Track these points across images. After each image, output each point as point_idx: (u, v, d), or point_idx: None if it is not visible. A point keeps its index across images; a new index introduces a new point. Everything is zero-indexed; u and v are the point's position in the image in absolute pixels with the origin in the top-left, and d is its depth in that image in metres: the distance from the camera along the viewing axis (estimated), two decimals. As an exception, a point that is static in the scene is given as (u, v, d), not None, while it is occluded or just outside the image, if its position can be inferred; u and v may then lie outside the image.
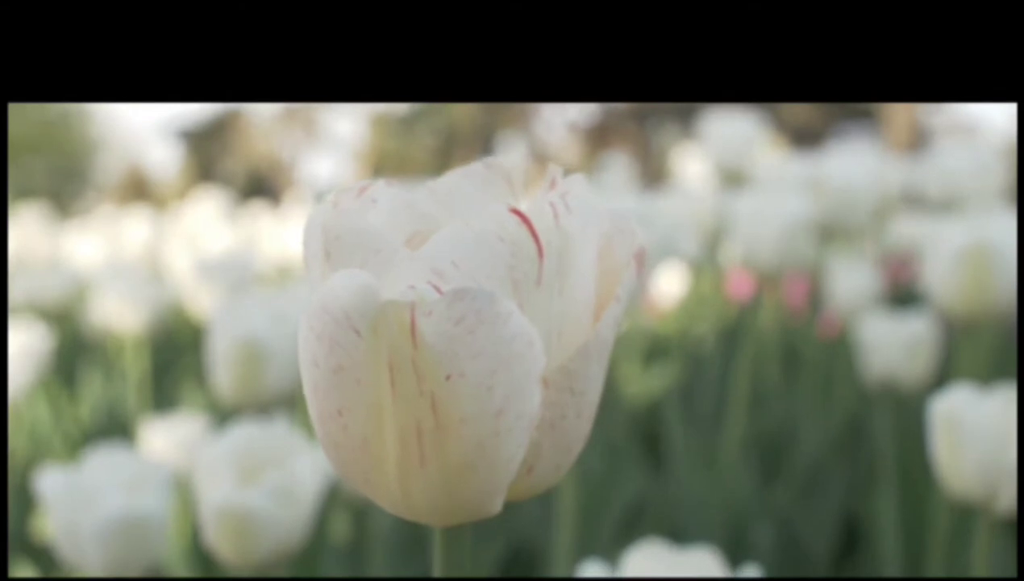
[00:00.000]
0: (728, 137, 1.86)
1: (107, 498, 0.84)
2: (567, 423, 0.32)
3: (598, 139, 12.74)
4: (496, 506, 0.32)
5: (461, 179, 0.35)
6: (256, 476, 0.79)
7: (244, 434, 0.81)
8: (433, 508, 0.32)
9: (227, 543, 0.77)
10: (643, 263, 0.33)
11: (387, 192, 0.34)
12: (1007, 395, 0.68)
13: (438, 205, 0.35)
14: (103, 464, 0.88)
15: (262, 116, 14.31)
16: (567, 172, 0.34)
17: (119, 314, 2.01)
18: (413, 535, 1.25)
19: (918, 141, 9.83)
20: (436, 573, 0.35)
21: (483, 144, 12.79)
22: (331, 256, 0.31)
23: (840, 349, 1.65)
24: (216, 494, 0.77)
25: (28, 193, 9.02)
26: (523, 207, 0.31)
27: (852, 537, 1.32)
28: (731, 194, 1.85)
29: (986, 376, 1.02)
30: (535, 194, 0.34)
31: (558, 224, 0.31)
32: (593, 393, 0.33)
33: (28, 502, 1.44)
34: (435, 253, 0.29)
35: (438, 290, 0.29)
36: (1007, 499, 0.67)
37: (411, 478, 0.31)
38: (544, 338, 0.30)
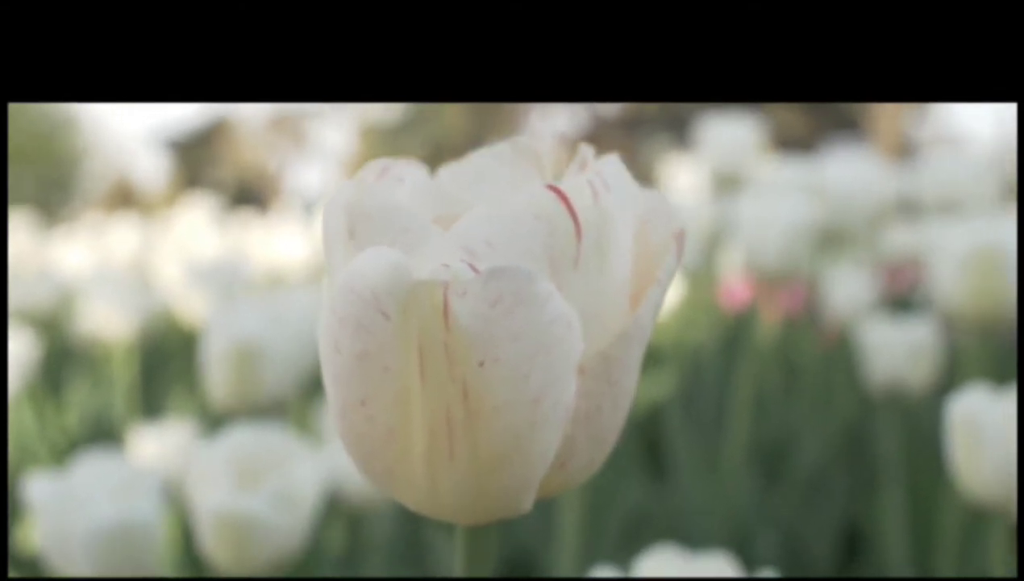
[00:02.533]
0: (724, 142, 1.84)
1: (97, 505, 0.82)
2: (603, 415, 0.30)
3: (586, 149, 12.70)
4: (527, 503, 0.30)
5: (487, 159, 0.33)
6: (254, 481, 0.77)
7: (241, 438, 0.79)
8: (461, 505, 0.30)
9: (224, 550, 0.75)
10: (683, 244, 0.31)
11: (410, 171, 0.32)
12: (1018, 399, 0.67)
13: (463, 187, 0.33)
14: (92, 470, 0.85)
15: (250, 125, 14.28)
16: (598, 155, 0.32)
17: (107, 321, 1.99)
18: (410, 542, 1.23)
19: (904, 152, 9.86)
20: (458, 574, 0.33)
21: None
22: (355, 235, 0.29)
23: (839, 355, 1.63)
24: (213, 500, 0.75)
25: (16, 202, 8.99)
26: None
27: (855, 543, 1.31)
28: (729, 200, 1.84)
29: (992, 380, 1.00)
30: (567, 174, 0.32)
31: (597, 202, 0.29)
32: (629, 383, 0.31)
33: (13, 512, 1.42)
34: (468, 231, 0.28)
35: (473, 269, 0.27)
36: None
37: (439, 472, 0.29)
38: (581, 322, 0.28)
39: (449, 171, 0.33)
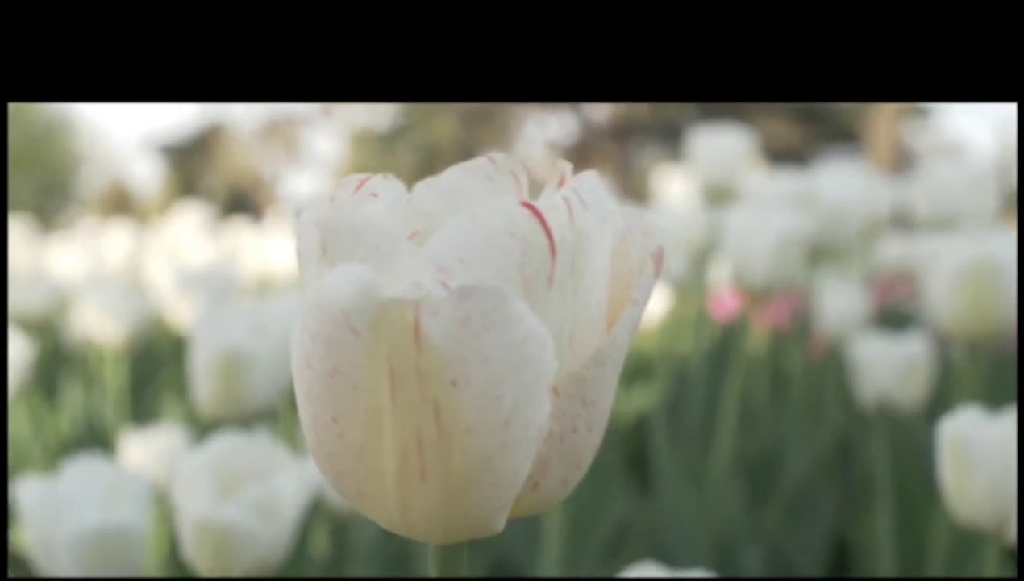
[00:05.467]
0: (716, 153, 1.83)
1: (83, 509, 0.82)
2: (577, 436, 0.30)
3: (578, 158, 12.72)
4: (499, 524, 0.30)
5: (464, 175, 0.33)
6: (236, 489, 0.77)
7: (224, 446, 0.79)
8: (432, 525, 0.30)
9: (206, 558, 0.75)
10: (661, 264, 0.31)
11: (386, 186, 0.32)
12: (1017, 417, 0.66)
13: (440, 203, 0.32)
14: (80, 475, 0.85)
15: (243, 132, 14.26)
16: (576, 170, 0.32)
17: (100, 325, 1.98)
18: (396, 551, 1.23)
19: (902, 162, 9.86)
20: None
21: (463, 161, 12.75)
22: (328, 252, 0.29)
23: (829, 369, 1.63)
24: (195, 507, 0.75)
25: (12, 208, 8.96)
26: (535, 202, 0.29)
27: (842, 559, 1.30)
28: (719, 211, 1.83)
29: (985, 397, 1.00)
30: (546, 191, 0.32)
31: (572, 221, 0.29)
32: (605, 404, 0.30)
33: (8, 514, 1.41)
34: (440, 249, 0.27)
35: (446, 287, 0.27)
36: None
37: (410, 492, 0.29)
38: (555, 342, 0.28)
39: (426, 186, 0.32)
